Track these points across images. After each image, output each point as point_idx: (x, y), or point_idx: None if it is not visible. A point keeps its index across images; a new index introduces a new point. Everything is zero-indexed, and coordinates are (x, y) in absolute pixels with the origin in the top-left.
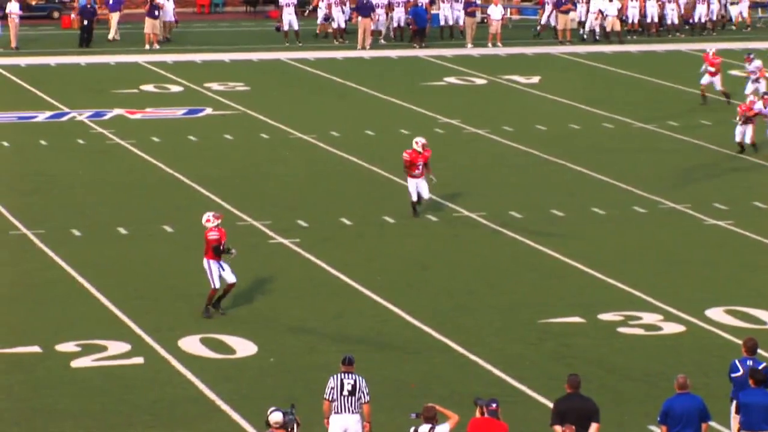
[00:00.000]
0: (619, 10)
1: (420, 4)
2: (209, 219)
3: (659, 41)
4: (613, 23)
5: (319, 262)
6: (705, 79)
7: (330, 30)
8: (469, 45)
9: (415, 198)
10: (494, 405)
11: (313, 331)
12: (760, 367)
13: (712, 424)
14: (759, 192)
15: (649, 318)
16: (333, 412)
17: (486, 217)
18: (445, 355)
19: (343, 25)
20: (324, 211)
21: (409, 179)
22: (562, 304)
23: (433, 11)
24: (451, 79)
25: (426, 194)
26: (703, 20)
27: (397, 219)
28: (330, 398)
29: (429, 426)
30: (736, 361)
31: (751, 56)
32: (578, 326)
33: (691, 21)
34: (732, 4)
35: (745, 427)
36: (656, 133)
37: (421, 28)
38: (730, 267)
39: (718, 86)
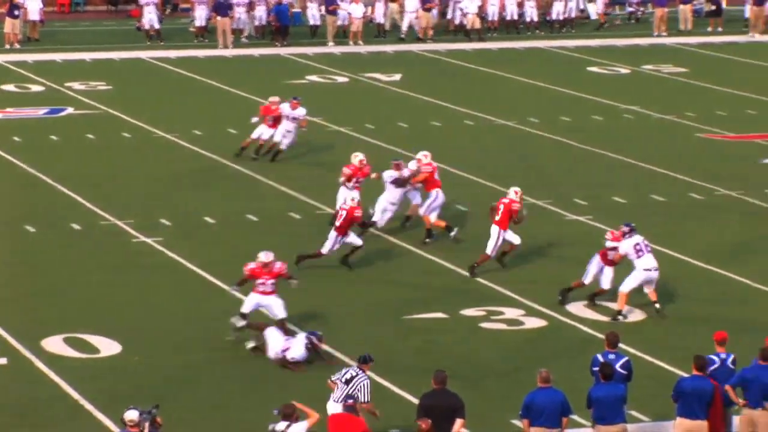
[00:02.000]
0: (480, 8)
1: (283, 3)
2: (354, 199)
3: (519, 39)
4: (473, 21)
5: (182, 260)
6: (258, 132)
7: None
8: (331, 43)
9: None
10: (350, 401)
11: (177, 329)
12: (622, 362)
13: (574, 417)
14: (618, 186)
15: (511, 313)
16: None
17: None
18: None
19: (204, 24)
20: (187, 209)
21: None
22: (425, 300)
23: (295, 9)
24: (314, 78)
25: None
26: (561, 17)
27: (261, 217)
28: (334, 381)
29: (286, 423)
30: (598, 355)
31: (298, 100)
32: (441, 322)
33: (548, 18)
34: (590, 1)
35: (598, 422)
36: (516, 129)
37: (283, 26)
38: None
39: (266, 135)
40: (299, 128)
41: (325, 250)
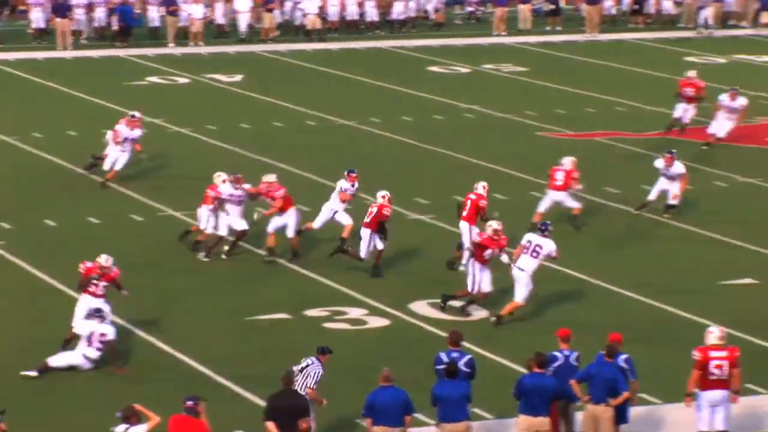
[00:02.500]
0: (320, 8)
1: (127, 3)
2: (385, 196)
3: (359, 39)
4: (313, 21)
5: (23, 264)
6: (108, 152)
7: None
8: (171, 44)
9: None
10: (189, 402)
11: (20, 334)
12: (465, 360)
13: (418, 416)
14: (459, 185)
15: (354, 313)
16: None
17: (191, 216)
18: (153, 355)
19: (43, 26)
20: (28, 212)
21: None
22: (268, 301)
23: (137, 10)
24: (154, 79)
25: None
26: (401, 17)
27: (102, 219)
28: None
29: (126, 426)
30: (442, 354)
31: (136, 118)
32: (285, 322)
33: (389, 18)
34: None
35: (442, 420)
36: (358, 129)
37: (127, 27)
38: (433, 260)
39: (119, 164)
40: (135, 150)
41: (363, 253)
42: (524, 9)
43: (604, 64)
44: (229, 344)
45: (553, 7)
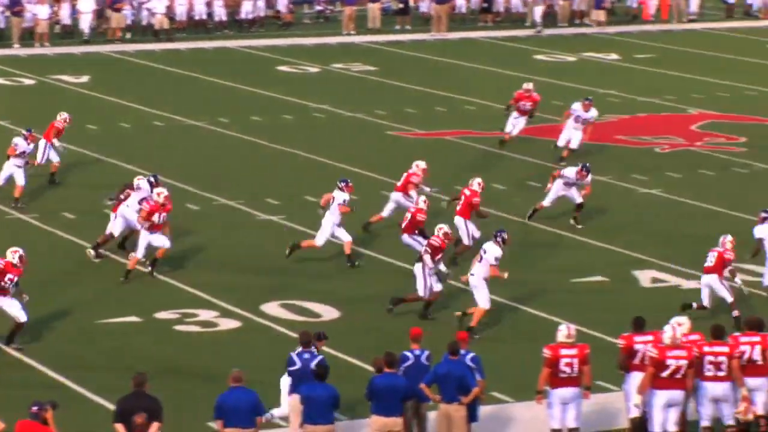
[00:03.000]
0: (168, 8)
1: None
2: (426, 200)
3: (208, 38)
4: (161, 21)
5: None
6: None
7: None
8: (16, 45)
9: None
10: (35, 408)
11: None
12: (316, 361)
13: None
14: (310, 185)
15: (205, 315)
16: None
17: (38, 218)
18: (0, 359)
19: None
20: None
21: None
22: (117, 304)
23: None
24: None
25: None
26: (250, 17)
27: None
28: None
29: None
30: (293, 355)
31: (31, 132)
32: (135, 325)
33: (237, 18)
34: None
35: (306, 421)
36: (206, 129)
37: None
38: (283, 261)
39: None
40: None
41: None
42: (373, 8)
43: (454, 62)
44: (78, 348)
45: (401, 6)
